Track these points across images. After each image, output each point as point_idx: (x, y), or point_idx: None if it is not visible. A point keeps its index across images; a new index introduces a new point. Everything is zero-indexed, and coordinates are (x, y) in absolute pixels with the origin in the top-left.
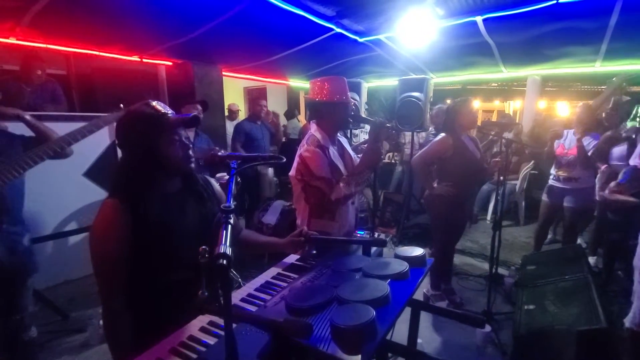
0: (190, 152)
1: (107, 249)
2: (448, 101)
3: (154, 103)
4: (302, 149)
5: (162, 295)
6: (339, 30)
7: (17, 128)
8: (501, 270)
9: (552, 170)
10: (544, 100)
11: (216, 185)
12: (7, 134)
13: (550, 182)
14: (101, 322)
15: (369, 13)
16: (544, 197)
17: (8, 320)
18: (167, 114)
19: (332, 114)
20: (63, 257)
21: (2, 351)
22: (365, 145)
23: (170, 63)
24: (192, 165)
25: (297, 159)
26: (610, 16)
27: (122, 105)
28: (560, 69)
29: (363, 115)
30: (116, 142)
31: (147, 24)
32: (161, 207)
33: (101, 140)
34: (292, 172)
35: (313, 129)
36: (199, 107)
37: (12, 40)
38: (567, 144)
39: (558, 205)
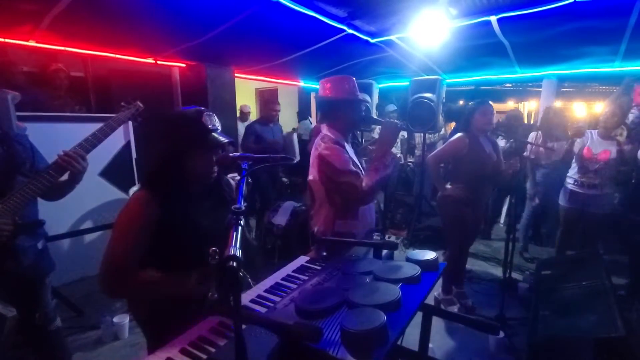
0: (215, 168)
1: (129, 232)
2: (461, 102)
3: (208, 115)
4: (320, 149)
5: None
6: (350, 31)
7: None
8: (515, 275)
9: (574, 175)
10: (560, 101)
11: None
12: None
13: (571, 187)
14: (114, 319)
15: (380, 14)
16: (564, 203)
17: (32, 317)
18: (214, 132)
19: (346, 113)
20: (79, 254)
21: (30, 343)
22: (374, 147)
23: (183, 65)
24: (211, 181)
25: (315, 160)
26: (630, 16)
27: (139, 103)
28: (578, 70)
29: (374, 117)
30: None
31: (161, 27)
32: (187, 205)
33: (116, 140)
34: (312, 177)
35: (324, 130)
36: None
37: (31, 43)
38: (594, 148)
39: (580, 211)
